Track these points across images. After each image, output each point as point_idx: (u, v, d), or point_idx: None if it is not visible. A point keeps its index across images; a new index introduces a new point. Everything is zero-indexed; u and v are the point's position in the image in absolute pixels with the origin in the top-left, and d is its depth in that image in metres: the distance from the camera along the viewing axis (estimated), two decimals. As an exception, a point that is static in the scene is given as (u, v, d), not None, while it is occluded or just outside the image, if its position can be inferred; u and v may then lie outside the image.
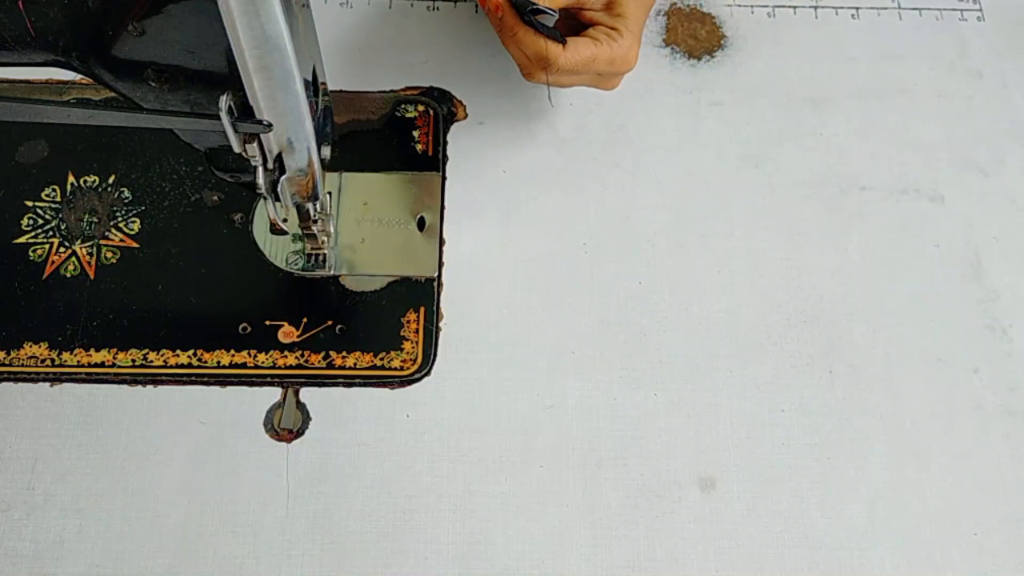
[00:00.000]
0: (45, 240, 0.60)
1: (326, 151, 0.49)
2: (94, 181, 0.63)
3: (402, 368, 0.57)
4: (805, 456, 0.56)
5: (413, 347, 0.58)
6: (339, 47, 0.68)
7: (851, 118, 0.67)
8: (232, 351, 0.57)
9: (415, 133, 0.65)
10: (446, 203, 0.63)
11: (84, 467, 0.54)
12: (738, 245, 0.62)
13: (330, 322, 0.58)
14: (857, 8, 0.71)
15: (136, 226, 0.61)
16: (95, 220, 0.61)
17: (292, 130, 0.45)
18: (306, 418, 0.56)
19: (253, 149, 0.45)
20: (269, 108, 0.43)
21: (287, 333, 0.58)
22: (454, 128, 0.65)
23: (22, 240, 0.60)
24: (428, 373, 0.57)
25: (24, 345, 0.57)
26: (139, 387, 0.56)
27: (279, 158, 0.47)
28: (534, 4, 0.54)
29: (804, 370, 0.58)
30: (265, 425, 0.56)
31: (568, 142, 0.65)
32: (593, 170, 0.64)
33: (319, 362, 0.57)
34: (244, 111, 0.43)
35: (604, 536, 0.54)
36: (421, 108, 0.66)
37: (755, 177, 0.64)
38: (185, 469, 0.54)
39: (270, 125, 0.43)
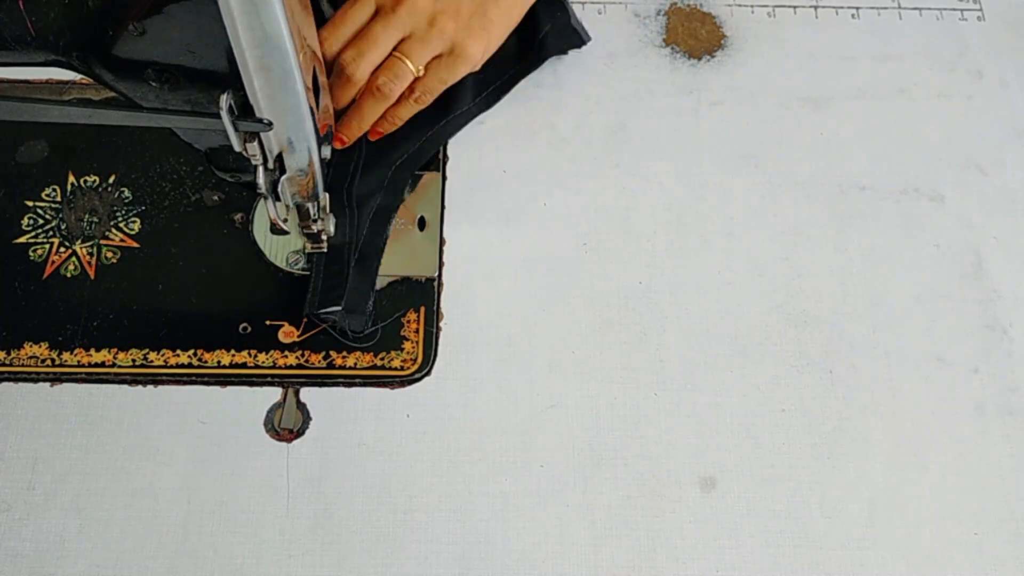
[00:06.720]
0: (45, 240, 0.60)
1: (326, 151, 0.49)
2: (94, 181, 0.63)
3: (402, 368, 0.57)
4: (805, 456, 0.56)
5: (413, 347, 0.58)
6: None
7: (851, 118, 0.67)
8: (232, 351, 0.57)
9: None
10: (446, 203, 0.63)
11: (84, 467, 0.54)
12: (738, 245, 0.62)
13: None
14: (857, 8, 0.71)
15: (136, 226, 0.61)
16: (95, 220, 0.61)
17: (292, 130, 0.45)
18: (306, 418, 0.56)
19: (253, 148, 0.45)
20: (269, 108, 0.43)
21: (287, 333, 0.58)
22: (454, 128, 0.65)
23: (22, 240, 0.60)
24: (428, 373, 0.57)
25: (24, 345, 0.57)
26: (139, 387, 0.56)
27: (279, 158, 0.47)
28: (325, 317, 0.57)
29: (804, 370, 0.58)
30: (265, 425, 0.56)
31: (568, 142, 0.65)
32: (593, 170, 0.64)
33: (319, 362, 0.57)
34: (244, 110, 0.43)
35: (604, 536, 0.54)
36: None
37: (755, 177, 0.64)
38: (185, 469, 0.54)
39: (270, 124, 0.43)
